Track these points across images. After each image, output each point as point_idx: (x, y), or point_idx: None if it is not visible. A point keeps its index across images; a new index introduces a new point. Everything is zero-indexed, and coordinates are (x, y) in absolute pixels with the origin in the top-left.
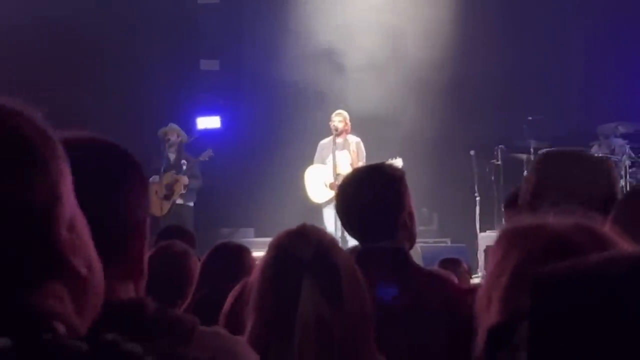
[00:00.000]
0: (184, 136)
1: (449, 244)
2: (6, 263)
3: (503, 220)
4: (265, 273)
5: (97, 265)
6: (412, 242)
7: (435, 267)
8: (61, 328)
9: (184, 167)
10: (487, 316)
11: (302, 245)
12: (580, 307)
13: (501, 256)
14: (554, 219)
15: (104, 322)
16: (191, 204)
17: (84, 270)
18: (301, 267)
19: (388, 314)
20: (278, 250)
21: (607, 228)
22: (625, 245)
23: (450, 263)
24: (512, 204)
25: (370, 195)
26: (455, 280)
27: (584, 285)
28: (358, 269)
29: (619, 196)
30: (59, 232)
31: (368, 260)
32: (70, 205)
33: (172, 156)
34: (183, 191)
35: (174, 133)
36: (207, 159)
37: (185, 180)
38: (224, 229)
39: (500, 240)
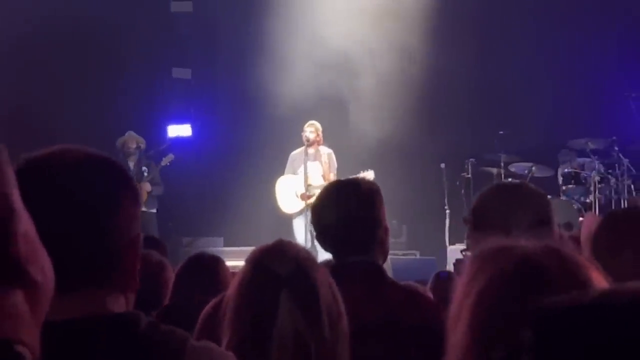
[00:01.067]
0: (142, 143)
1: (418, 256)
2: None
3: (466, 238)
4: (242, 288)
5: (50, 273)
6: (385, 256)
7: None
8: (27, 354)
9: (145, 174)
10: (455, 335)
11: (279, 261)
12: (584, 339)
13: (471, 276)
14: (524, 242)
15: (100, 336)
16: (154, 210)
17: (40, 278)
18: (279, 282)
19: (364, 330)
20: (255, 265)
21: (583, 253)
22: (595, 270)
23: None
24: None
25: (348, 210)
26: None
27: (587, 317)
28: (335, 285)
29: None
30: (17, 243)
31: (342, 275)
32: (23, 214)
33: (131, 164)
34: (145, 198)
35: (133, 141)
36: (168, 164)
37: (147, 187)
38: (185, 237)
39: (470, 261)
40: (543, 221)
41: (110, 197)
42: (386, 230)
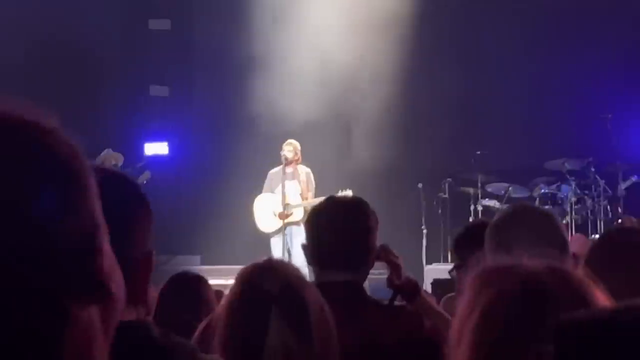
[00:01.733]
0: (121, 161)
1: None
2: (48, 295)
3: (449, 256)
4: (232, 306)
5: (122, 288)
6: (366, 275)
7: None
8: None
9: None
10: (457, 355)
11: (270, 279)
12: (604, 353)
13: (474, 294)
14: (527, 261)
15: (116, 342)
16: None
17: (117, 294)
18: (269, 300)
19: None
20: (246, 284)
21: (579, 271)
22: (597, 289)
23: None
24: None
25: (350, 232)
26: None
27: (607, 331)
28: (326, 304)
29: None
30: (101, 259)
31: (323, 293)
32: (105, 228)
33: None
34: None
35: (110, 159)
36: (145, 182)
37: None
38: (161, 256)
39: (474, 278)
40: (555, 244)
41: (128, 213)
42: (375, 249)
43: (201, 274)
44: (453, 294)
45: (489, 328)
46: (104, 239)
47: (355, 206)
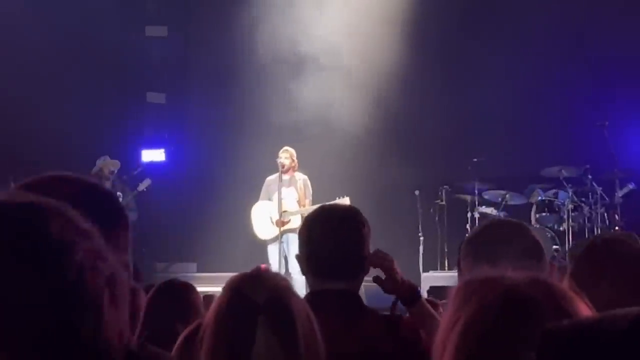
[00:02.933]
0: (117, 168)
1: None
2: None
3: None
4: (219, 315)
5: (126, 326)
6: (360, 283)
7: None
8: None
9: (120, 199)
10: None
11: (257, 288)
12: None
13: (458, 305)
14: (510, 273)
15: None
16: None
17: (116, 342)
18: (256, 309)
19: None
20: (233, 293)
21: (564, 283)
22: (580, 301)
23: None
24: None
25: (344, 239)
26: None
27: (590, 340)
28: (312, 314)
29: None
30: (103, 324)
31: (320, 302)
32: (119, 280)
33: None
34: None
35: (108, 166)
36: (145, 190)
37: None
38: (158, 263)
39: (458, 290)
40: (531, 254)
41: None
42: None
43: (197, 281)
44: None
45: (472, 340)
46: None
47: (349, 215)
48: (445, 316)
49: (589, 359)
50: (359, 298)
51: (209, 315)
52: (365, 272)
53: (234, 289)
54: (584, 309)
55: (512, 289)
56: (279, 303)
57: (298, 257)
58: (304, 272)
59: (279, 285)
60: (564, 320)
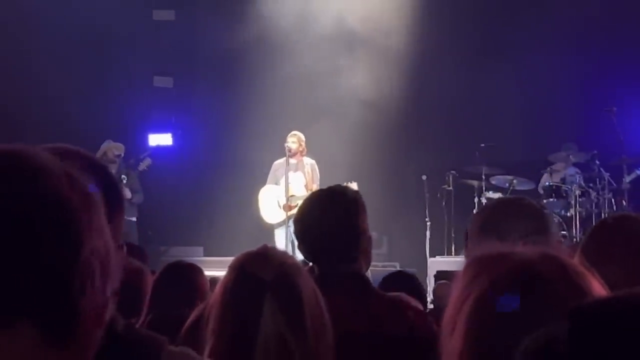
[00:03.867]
0: (122, 151)
1: (398, 268)
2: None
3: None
4: (226, 294)
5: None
6: (368, 265)
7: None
8: None
9: (124, 181)
10: (451, 341)
11: (263, 266)
12: (620, 336)
13: (467, 282)
14: (521, 248)
15: None
16: (133, 219)
17: (93, 324)
18: (263, 288)
19: (348, 340)
20: (239, 271)
21: (574, 258)
22: (592, 277)
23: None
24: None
25: (333, 218)
26: (417, 304)
27: (622, 316)
28: (319, 292)
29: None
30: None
31: (327, 284)
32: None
33: (113, 172)
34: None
35: (112, 150)
36: (146, 169)
37: (128, 193)
38: (164, 246)
39: (467, 266)
40: (539, 231)
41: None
42: (369, 239)
43: (203, 265)
44: (446, 280)
45: (483, 316)
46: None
47: (339, 196)
48: (454, 292)
49: (622, 335)
50: (365, 278)
51: (215, 294)
52: (365, 252)
53: (240, 267)
54: (596, 285)
55: (524, 264)
56: (286, 281)
57: (298, 246)
58: (304, 261)
59: (286, 263)
60: (591, 298)
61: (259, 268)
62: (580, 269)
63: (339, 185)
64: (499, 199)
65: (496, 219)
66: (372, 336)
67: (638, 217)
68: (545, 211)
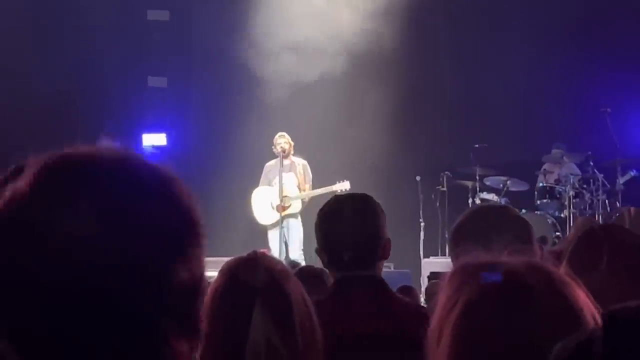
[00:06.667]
0: None
1: (393, 269)
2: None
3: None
4: (215, 299)
5: None
6: (380, 271)
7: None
8: None
9: None
10: (438, 350)
11: (253, 272)
12: None
13: (454, 290)
14: (507, 257)
15: None
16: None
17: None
18: (252, 294)
19: (369, 342)
20: (229, 276)
21: (561, 267)
22: (577, 286)
23: (406, 290)
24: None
25: (357, 225)
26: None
27: None
28: (309, 298)
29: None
30: (199, 304)
31: (348, 288)
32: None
33: None
34: None
35: None
36: None
37: None
38: None
39: (454, 274)
40: (523, 241)
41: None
42: (388, 243)
43: None
44: (437, 280)
45: (470, 324)
46: (206, 287)
47: (362, 203)
48: (441, 301)
49: None
50: (384, 282)
51: (205, 299)
52: (384, 258)
53: (231, 272)
54: (582, 295)
55: (510, 275)
56: (275, 287)
57: (317, 251)
58: (325, 265)
59: (275, 269)
60: (628, 303)
61: (248, 274)
62: (565, 279)
63: (359, 193)
64: (479, 206)
65: (478, 226)
66: (397, 338)
67: (625, 226)
68: (524, 219)
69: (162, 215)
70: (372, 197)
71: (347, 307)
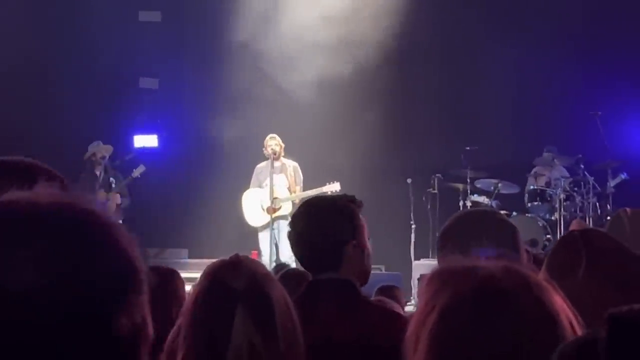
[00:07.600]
0: (109, 153)
1: (383, 271)
2: None
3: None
4: (197, 302)
5: None
6: (363, 277)
7: (376, 297)
8: None
9: (113, 186)
10: (414, 356)
11: (235, 276)
12: None
13: (431, 295)
14: (484, 262)
15: None
16: (119, 221)
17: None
18: (234, 297)
19: (335, 349)
20: (211, 280)
21: (538, 274)
22: (554, 291)
23: (387, 290)
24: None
25: (313, 227)
26: (401, 312)
27: None
28: (291, 302)
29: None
30: (142, 351)
31: (316, 291)
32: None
33: (98, 173)
34: (114, 209)
35: (101, 152)
36: (139, 176)
37: (117, 198)
38: (149, 249)
39: (431, 279)
40: (508, 245)
41: None
42: (358, 247)
43: (188, 267)
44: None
45: (447, 329)
46: (149, 335)
47: (327, 205)
48: (418, 306)
49: None
50: (354, 286)
51: (187, 302)
52: (351, 260)
53: (213, 275)
54: (558, 299)
55: (487, 279)
56: (257, 290)
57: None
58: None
59: (257, 273)
60: (633, 306)
61: (230, 277)
62: (542, 283)
63: (335, 195)
64: (466, 210)
65: (463, 230)
66: (361, 346)
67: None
68: (511, 223)
69: (101, 263)
70: (346, 201)
71: (312, 311)
